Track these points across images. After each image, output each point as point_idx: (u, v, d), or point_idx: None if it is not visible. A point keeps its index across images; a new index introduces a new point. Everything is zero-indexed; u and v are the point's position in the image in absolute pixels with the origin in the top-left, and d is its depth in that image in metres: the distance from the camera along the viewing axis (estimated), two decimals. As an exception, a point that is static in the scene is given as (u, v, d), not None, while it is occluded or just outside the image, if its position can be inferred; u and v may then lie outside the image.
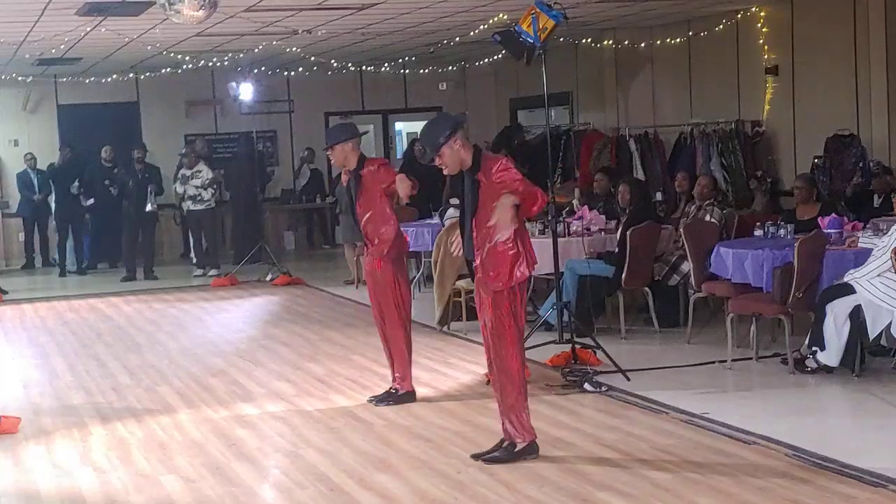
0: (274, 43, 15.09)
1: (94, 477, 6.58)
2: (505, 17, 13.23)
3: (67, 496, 6.27)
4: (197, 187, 16.00)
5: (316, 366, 9.59)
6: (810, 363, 8.13)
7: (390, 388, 8.09)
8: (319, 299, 13.89)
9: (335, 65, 17.92)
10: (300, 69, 18.67)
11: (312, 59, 17.23)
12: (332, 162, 8.24)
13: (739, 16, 14.93)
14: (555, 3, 9.14)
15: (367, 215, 7.86)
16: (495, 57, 17.48)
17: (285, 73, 19.32)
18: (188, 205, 16.31)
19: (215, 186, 16.32)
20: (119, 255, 17.17)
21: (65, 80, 18.61)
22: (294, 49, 15.88)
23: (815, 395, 7.92)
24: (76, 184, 16.94)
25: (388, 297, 7.90)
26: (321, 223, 20.14)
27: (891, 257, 7.20)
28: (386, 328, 7.98)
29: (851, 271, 8.00)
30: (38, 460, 6.99)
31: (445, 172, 6.47)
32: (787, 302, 8.15)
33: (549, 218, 9.65)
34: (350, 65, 18.34)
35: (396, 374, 8.04)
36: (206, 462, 6.78)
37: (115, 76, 18.19)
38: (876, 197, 11.43)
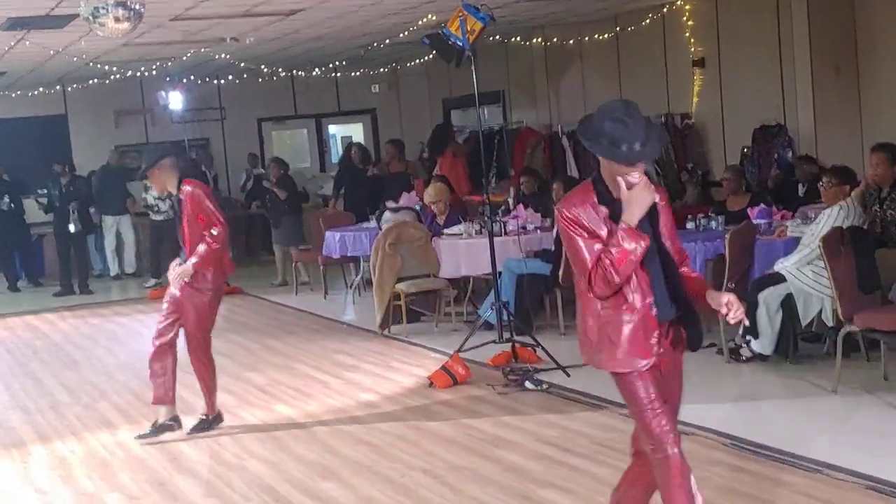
0: (202, 51, 15.01)
1: (35, 498, 6.54)
2: (434, 17, 13.27)
3: (9, 519, 6.24)
4: (155, 198, 15.81)
5: (257, 375, 9.58)
6: (745, 352, 8.29)
7: (203, 415, 7.76)
8: (259, 307, 13.84)
9: (266, 70, 17.85)
10: (230, 76, 18.57)
11: (242, 65, 17.15)
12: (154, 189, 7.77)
13: (665, 10, 15.11)
14: (482, 4, 9.22)
15: (190, 236, 7.41)
16: (427, 57, 17.53)
17: (216, 80, 19.21)
18: (151, 215, 16.24)
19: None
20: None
21: (-9, 94, 18.38)
22: (224, 56, 15.79)
23: (751, 383, 8.06)
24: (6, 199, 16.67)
25: (203, 322, 7.52)
26: (262, 230, 20.06)
27: (818, 245, 7.35)
28: (194, 353, 7.60)
29: (781, 260, 8.17)
30: (-23, 483, 6.94)
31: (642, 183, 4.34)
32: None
33: (486, 218, 9.74)
34: (281, 70, 18.29)
35: (210, 401, 7.72)
36: (149, 478, 6.75)
37: (41, 89, 17.95)
38: (800, 186, 11.63)
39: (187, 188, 7.41)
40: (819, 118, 12.63)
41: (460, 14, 8.81)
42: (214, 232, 7.31)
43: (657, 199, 4.33)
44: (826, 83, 12.66)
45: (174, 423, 7.54)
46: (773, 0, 13.42)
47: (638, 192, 4.20)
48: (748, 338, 8.23)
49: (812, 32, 12.57)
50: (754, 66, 13.71)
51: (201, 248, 7.28)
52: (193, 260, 7.28)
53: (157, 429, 7.51)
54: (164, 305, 7.51)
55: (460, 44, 8.83)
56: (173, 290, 7.45)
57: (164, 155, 7.50)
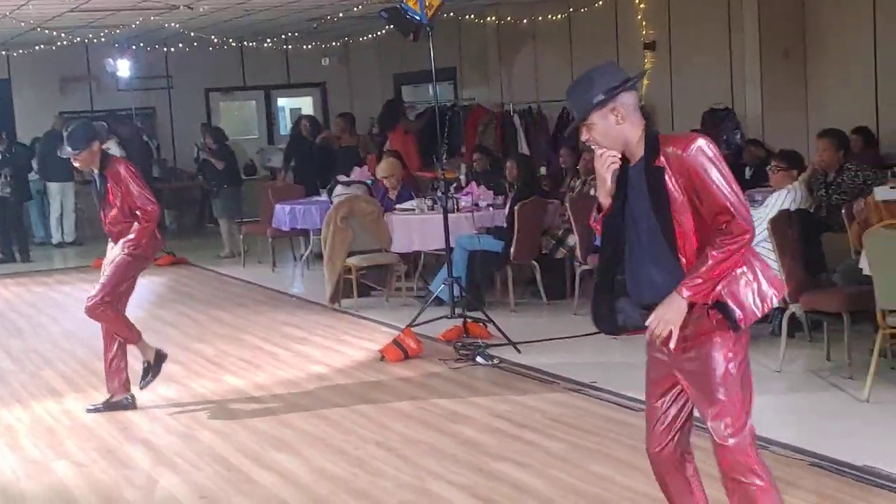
0: (152, 18, 14.84)
1: (-18, 465, 6.49)
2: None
3: (-44, 486, 6.17)
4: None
5: (206, 346, 9.55)
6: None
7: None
8: (206, 279, 13.80)
9: (216, 40, 17.68)
10: (180, 45, 18.37)
11: (192, 34, 16.98)
12: (77, 167, 7.52)
13: None
14: (441, -21, 9.22)
15: (112, 215, 7.33)
16: (378, 32, 17.45)
17: (164, 48, 19.01)
18: None
19: None
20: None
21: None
22: (174, 25, 15.63)
23: (698, 361, 8.14)
24: None
25: (116, 276, 7.29)
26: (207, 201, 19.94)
27: (766, 227, 7.46)
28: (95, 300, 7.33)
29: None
30: (-78, 450, 6.85)
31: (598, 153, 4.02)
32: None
33: (439, 194, 9.77)
34: (231, 40, 18.13)
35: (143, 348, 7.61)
36: (97, 446, 6.72)
37: (-16, 53, 17.71)
38: (747, 169, 11.78)
39: (117, 168, 7.28)
40: (767, 102, 12.79)
41: None
42: (149, 208, 7.25)
43: (613, 165, 3.95)
44: (775, 67, 12.81)
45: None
46: None
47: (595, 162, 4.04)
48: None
49: (762, 17, 12.69)
50: (704, 49, 13.84)
51: (134, 229, 7.23)
52: (129, 246, 7.22)
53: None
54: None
55: (418, 18, 8.82)
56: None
57: (93, 137, 7.33)
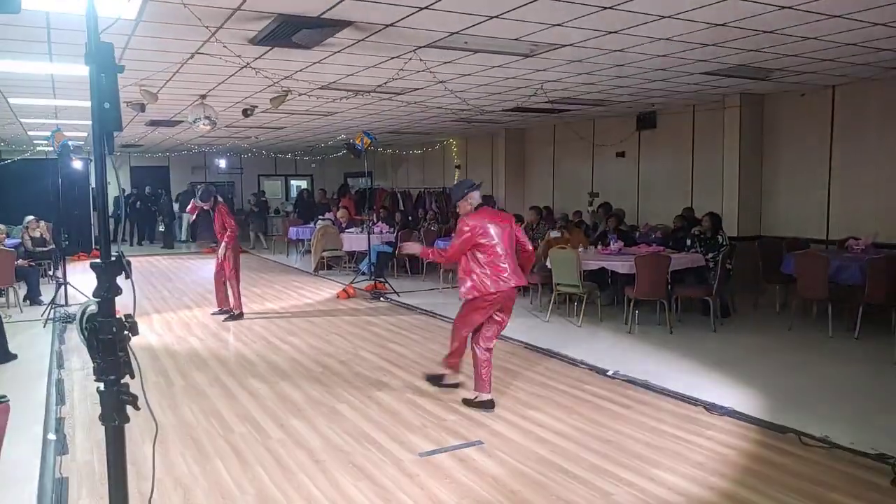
0: (236, 142, 14.23)
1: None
2: (343, 136, 13.09)
3: None
4: None
5: (257, 289, 8.82)
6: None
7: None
8: (253, 260, 12.76)
9: (263, 153, 16.99)
10: (249, 154, 17.55)
11: (252, 148, 16.22)
12: (204, 207, 6.71)
13: (444, 142, 14.76)
14: (371, 132, 9.28)
15: (217, 228, 6.61)
16: (339, 153, 17.20)
17: (239, 154, 18.30)
18: None
19: None
20: None
21: None
22: (244, 144, 14.95)
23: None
24: None
25: None
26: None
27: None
28: None
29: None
30: None
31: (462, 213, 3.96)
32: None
33: (364, 227, 9.73)
34: (272, 153, 17.49)
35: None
36: (213, 333, 6.22)
37: None
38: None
39: (220, 207, 6.61)
40: (507, 192, 12.30)
41: (360, 134, 8.88)
42: (233, 225, 6.60)
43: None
44: (512, 182, 11.97)
45: None
46: (489, 142, 12.98)
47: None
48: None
49: (507, 162, 12.17)
50: (481, 170, 13.11)
51: (227, 235, 6.60)
52: (226, 243, 6.52)
53: None
54: None
55: (359, 148, 8.91)
56: None
57: (210, 194, 6.62)
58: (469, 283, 3.86)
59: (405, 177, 17.24)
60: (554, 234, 7.60)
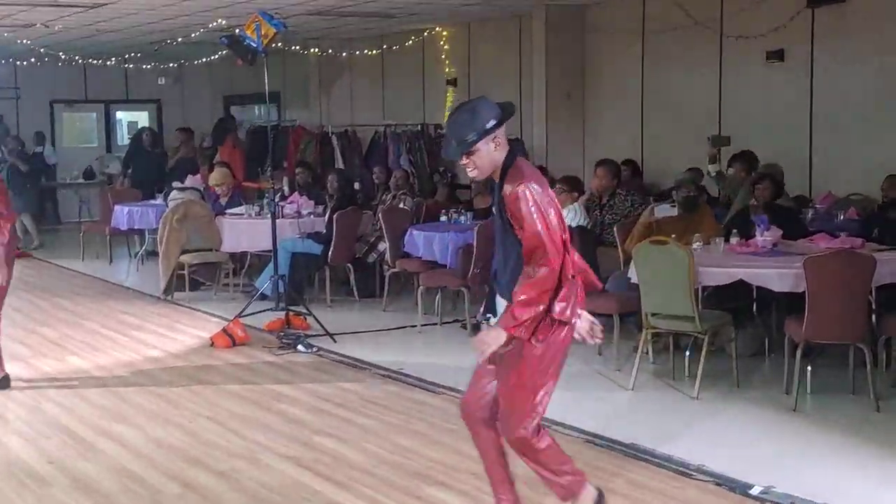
0: (6, 35, 14.15)
1: None
2: (224, 22, 12.99)
3: None
4: None
5: (49, 330, 9.18)
6: (484, 327, 8.55)
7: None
8: (47, 270, 13.18)
9: (63, 57, 16.93)
10: (32, 59, 17.46)
11: (42, 51, 16.25)
12: None
13: (426, 34, 15.41)
14: (276, 12, 9.16)
15: None
16: (211, 57, 17.11)
17: (14, 62, 18.15)
18: None
19: None
20: None
21: None
22: (25, 41, 14.92)
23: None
24: None
25: None
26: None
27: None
28: None
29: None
30: None
31: (472, 175, 4.04)
32: (467, 276, 8.57)
33: (266, 202, 9.67)
34: (77, 57, 17.42)
35: None
36: None
37: None
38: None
39: None
40: (550, 135, 13.16)
41: (256, 19, 8.70)
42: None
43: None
44: (557, 106, 13.20)
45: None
46: (517, 32, 13.91)
47: None
48: (488, 315, 8.45)
49: (548, 62, 13.04)
50: (497, 88, 14.18)
51: None
52: None
53: None
54: None
55: (254, 45, 8.72)
56: None
57: None
58: (564, 304, 3.99)
59: (345, 104, 17.29)
60: (660, 210, 8.03)
